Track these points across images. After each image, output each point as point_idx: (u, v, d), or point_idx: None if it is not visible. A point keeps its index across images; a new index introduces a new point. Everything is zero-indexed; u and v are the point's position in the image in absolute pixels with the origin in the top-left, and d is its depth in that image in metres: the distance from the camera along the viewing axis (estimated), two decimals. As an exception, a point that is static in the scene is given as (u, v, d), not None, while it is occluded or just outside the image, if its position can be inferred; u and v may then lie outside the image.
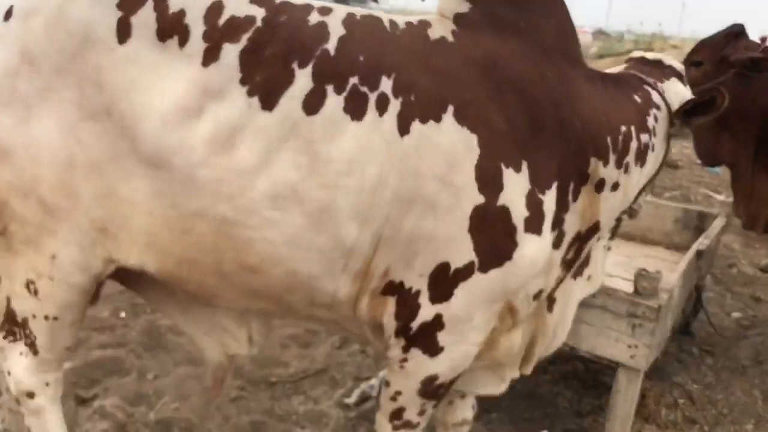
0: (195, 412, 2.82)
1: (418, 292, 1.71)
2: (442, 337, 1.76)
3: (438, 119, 1.62)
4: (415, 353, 1.79)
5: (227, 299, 1.80)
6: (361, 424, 2.85)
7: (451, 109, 1.63)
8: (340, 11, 1.70)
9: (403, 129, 1.60)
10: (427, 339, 1.76)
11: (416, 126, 1.61)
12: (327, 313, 1.81)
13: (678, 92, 2.16)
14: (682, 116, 2.10)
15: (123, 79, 1.55)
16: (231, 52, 1.55)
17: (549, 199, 1.74)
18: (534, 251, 1.72)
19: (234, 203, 1.56)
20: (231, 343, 1.92)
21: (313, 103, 1.57)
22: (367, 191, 1.59)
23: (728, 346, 3.86)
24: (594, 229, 1.95)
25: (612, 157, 1.88)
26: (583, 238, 1.94)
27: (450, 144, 1.62)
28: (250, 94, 1.54)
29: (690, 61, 3.80)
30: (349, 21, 1.67)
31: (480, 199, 1.64)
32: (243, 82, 1.55)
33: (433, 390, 1.87)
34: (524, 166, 1.68)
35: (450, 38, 1.70)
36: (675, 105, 2.09)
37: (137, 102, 1.54)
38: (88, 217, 1.64)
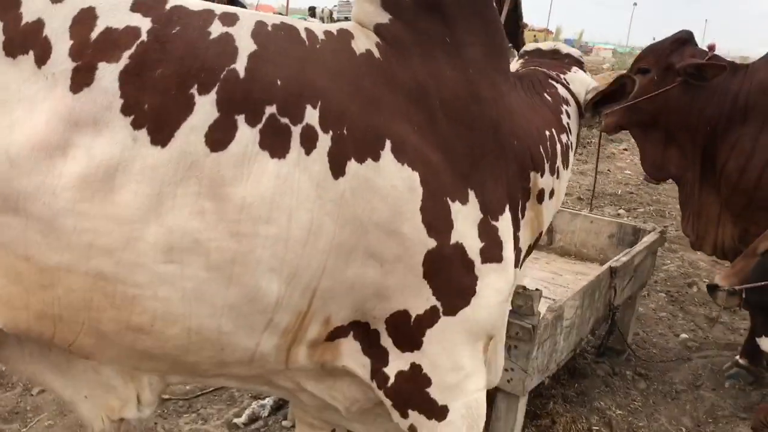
0: (69, 429, 2.70)
1: (377, 333, 1.54)
2: (436, 395, 1.58)
3: (376, 157, 1.40)
4: (421, 420, 1.59)
5: (110, 358, 1.49)
6: (243, 446, 2.72)
7: (388, 144, 1.42)
8: (248, 19, 1.41)
9: (337, 170, 1.37)
10: (420, 398, 1.58)
11: (352, 166, 1.38)
12: (246, 370, 1.55)
13: (583, 81, 2.11)
14: (592, 108, 2.08)
15: None
16: (108, 74, 1.25)
17: (505, 224, 1.61)
18: (496, 280, 1.58)
19: (114, 257, 1.28)
20: (117, 405, 1.58)
21: (219, 138, 1.29)
22: (295, 241, 1.36)
23: (666, 369, 3.67)
24: (539, 239, 1.93)
25: (546, 166, 1.82)
26: (530, 251, 1.91)
27: (391, 186, 1.42)
28: (136, 126, 1.25)
29: (636, 68, 3.66)
30: (259, 32, 1.39)
31: (431, 244, 1.47)
32: (125, 111, 1.25)
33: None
34: (471, 195, 1.54)
35: (377, 54, 1.49)
36: (582, 95, 2.06)
37: None
38: None
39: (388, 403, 1.59)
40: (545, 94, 1.97)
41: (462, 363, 1.58)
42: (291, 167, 1.33)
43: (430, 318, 1.52)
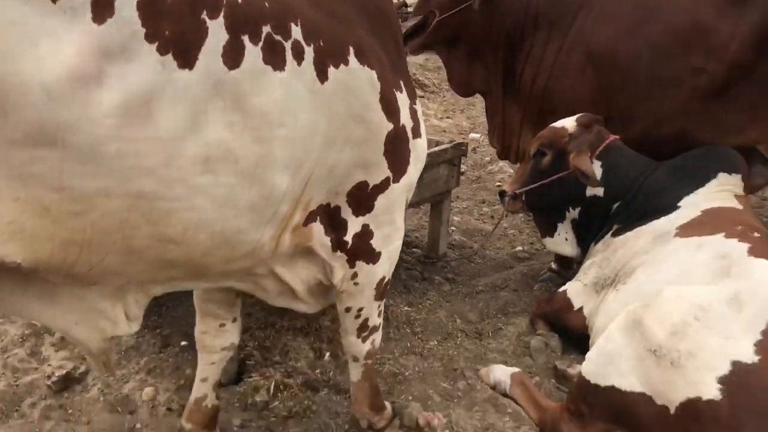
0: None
1: (338, 208, 1.87)
2: (376, 243, 2.00)
3: (346, 62, 1.69)
4: (361, 265, 2.00)
5: (130, 274, 1.59)
6: None
7: (351, 50, 1.71)
8: None
9: (322, 76, 1.63)
10: (365, 249, 1.99)
11: (332, 71, 1.65)
12: (242, 263, 1.74)
13: None
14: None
15: None
16: (126, 4, 1.28)
17: (417, 106, 2.05)
18: (420, 150, 2.05)
19: (156, 176, 1.37)
20: (108, 325, 1.70)
21: (233, 57, 1.43)
22: (301, 139, 1.60)
23: (477, 274, 3.82)
24: None
25: None
26: None
27: (360, 84, 1.73)
28: (162, 51, 1.32)
29: None
30: None
31: (389, 126, 1.86)
32: (149, 38, 1.30)
33: (383, 290, 2.15)
34: (401, 84, 1.94)
35: None
36: None
37: (3, 75, 1.19)
38: None
39: (342, 260, 1.96)
40: None
41: (395, 218, 2.04)
42: (290, 77, 1.54)
43: (383, 186, 1.92)
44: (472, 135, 6.99)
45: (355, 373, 2.32)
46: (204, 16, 1.38)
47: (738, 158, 2.88)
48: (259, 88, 1.48)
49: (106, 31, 1.26)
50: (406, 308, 3.35)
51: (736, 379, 1.81)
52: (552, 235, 3.33)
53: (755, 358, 1.82)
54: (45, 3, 1.22)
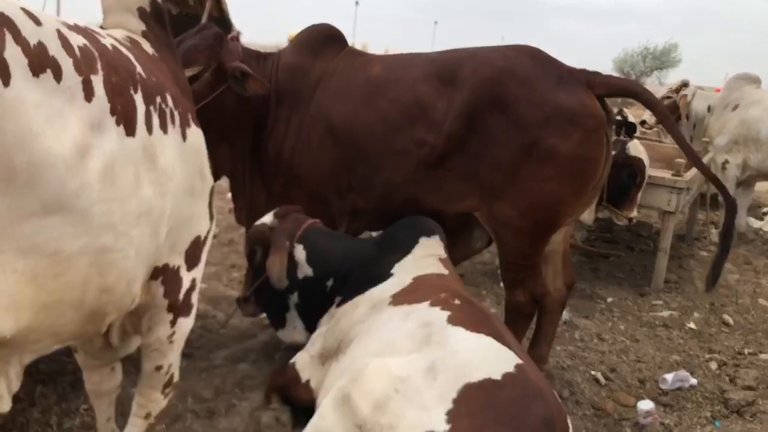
0: None
1: (178, 267, 2.00)
2: (194, 296, 2.12)
3: (190, 125, 1.99)
4: (181, 322, 2.07)
5: (60, 334, 1.65)
6: None
7: (191, 115, 2.03)
8: (106, 37, 1.76)
9: (184, 136, 1.92)
10: (188, 304, 2.08)
11: (187, 132, 1.95)
12: (124, 309, 1.86)
13: None
14: None
15: (17, 128, 1.29)
16: (98, 84, 1.52)
17: None
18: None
19: (115, 231, 1.57)
20: None
21: (149, 124, 1.72)
22: (179, 188, 1.86)
23: (217, 346, 3.70)
24: None
25: None
26: None
27: (200, 142, 2.05)
28: (118, 123, 1.57)
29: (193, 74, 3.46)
30: (122, 44, 1.84)
31: (211, 179, 2.12)
32: (111, 112, 1.55)
33: (184, 342, 2.20)
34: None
35: (153, 53, 2.07)
36: None
37: (36, 152, 1.33)
38: None
39: (168, 319, 2.04)
40: None
41: (202, 266, 2.15)
42: (171, 138, 1.82)
43: (207, 238, 2.12)
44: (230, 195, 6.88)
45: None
46: (131, 90, 1.66)
47: (433, 224, 3.14)
48: (162, 149, 1.77)
49: (92, 109, 1.49)
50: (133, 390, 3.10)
51: (430, 449, 1.89)
52: (284, 327, 3.36)
53: (446, 427, 1.92)
54: (52, 83, 1.38)
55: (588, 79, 3.13)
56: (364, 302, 2.88)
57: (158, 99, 1.77)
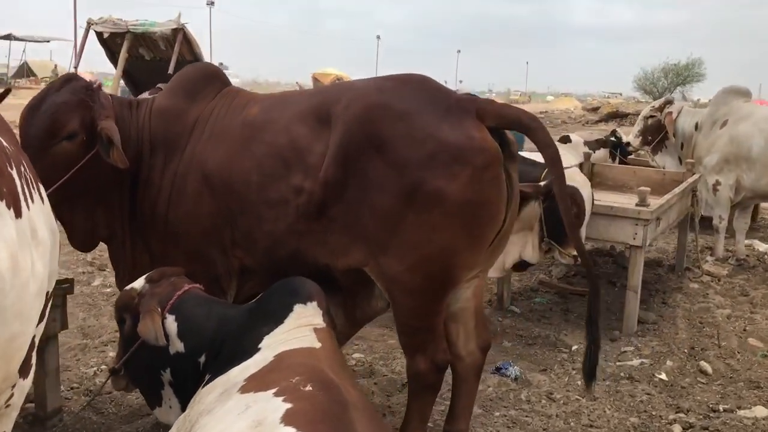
0: None
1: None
2: (34, 355, 1.89)
3: (39, 188, 1.85)
4: (20, 383, 1.82)
5: None
6: None
7: (37, 180, 1.89)
8: None
9: (42, 199, 1.84)
10: (28, 365, 1.84)
11: (41, 195, 1.85)
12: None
13: None
14: None
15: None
16: None
17: None
18: None
19: (22, 316, 1.56)
20: None
21: (26, 197, 1.65)
22: (47, 256, 1.78)
23: (110, 428, 3.28)
24: None
25: None
26: None
27: (47, 205, 1.91)
28: (8, 207, 1.52)
29: (63, 133, 2.95)
30: None
31: (57, 232, 2.02)
32: (2, 196, 1.50)
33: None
34: None
35: None
36: None
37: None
38: None
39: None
40: None
41: (44, 322, 1.96)
42: (38, 204, 1.75)
43: (52, 291, 1.95)
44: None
45: None
46: (8, 168, 1.57)
47: (312, 287, 2.66)
48: (38, 219, 1.70)
49: None
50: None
51: None
52: (160, 405, 2.88)
53: None
54: None
55: (477, 108, 2.67)
56: (220, 386, 2.42)
57: (22, 168, 1.70)
